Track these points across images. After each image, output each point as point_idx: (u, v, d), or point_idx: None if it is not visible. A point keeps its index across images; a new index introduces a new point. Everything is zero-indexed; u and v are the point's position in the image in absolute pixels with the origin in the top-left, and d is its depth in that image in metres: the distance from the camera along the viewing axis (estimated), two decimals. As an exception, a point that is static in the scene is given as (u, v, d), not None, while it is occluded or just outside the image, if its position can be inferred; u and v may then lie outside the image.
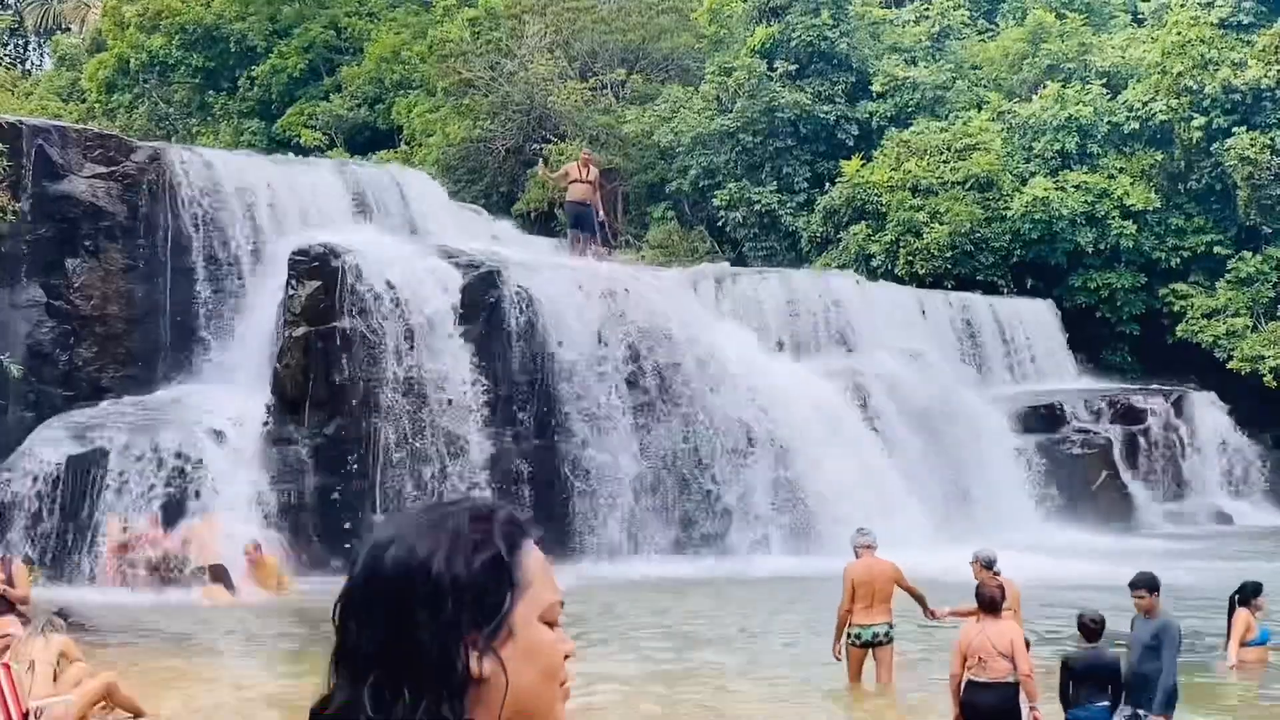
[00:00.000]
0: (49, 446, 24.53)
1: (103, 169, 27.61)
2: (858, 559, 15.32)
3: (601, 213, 33.96)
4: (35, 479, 24.01)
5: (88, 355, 26.78)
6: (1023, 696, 11.86)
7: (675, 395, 28.02)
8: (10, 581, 17.14)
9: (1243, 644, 15.54)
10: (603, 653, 17.52)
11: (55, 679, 13.89)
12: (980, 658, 11.85)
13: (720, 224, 44.79)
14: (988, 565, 15.06)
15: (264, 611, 21.42)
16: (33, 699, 13.60)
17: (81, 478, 23.94)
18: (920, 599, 15.51)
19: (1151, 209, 40.32)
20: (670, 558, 26.54)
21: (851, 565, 15.26)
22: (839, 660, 15.27)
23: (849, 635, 15.20)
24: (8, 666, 13.76)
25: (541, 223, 44.11)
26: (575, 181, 32.50)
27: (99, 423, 25.25)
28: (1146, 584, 12.30)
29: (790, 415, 28.80)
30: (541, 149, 42.61)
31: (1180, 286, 40.32)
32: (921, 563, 24.54)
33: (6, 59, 66.93)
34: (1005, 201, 40.28)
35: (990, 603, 12.12)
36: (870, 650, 15.24)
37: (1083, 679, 11.87)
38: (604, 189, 32.93)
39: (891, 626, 15.32)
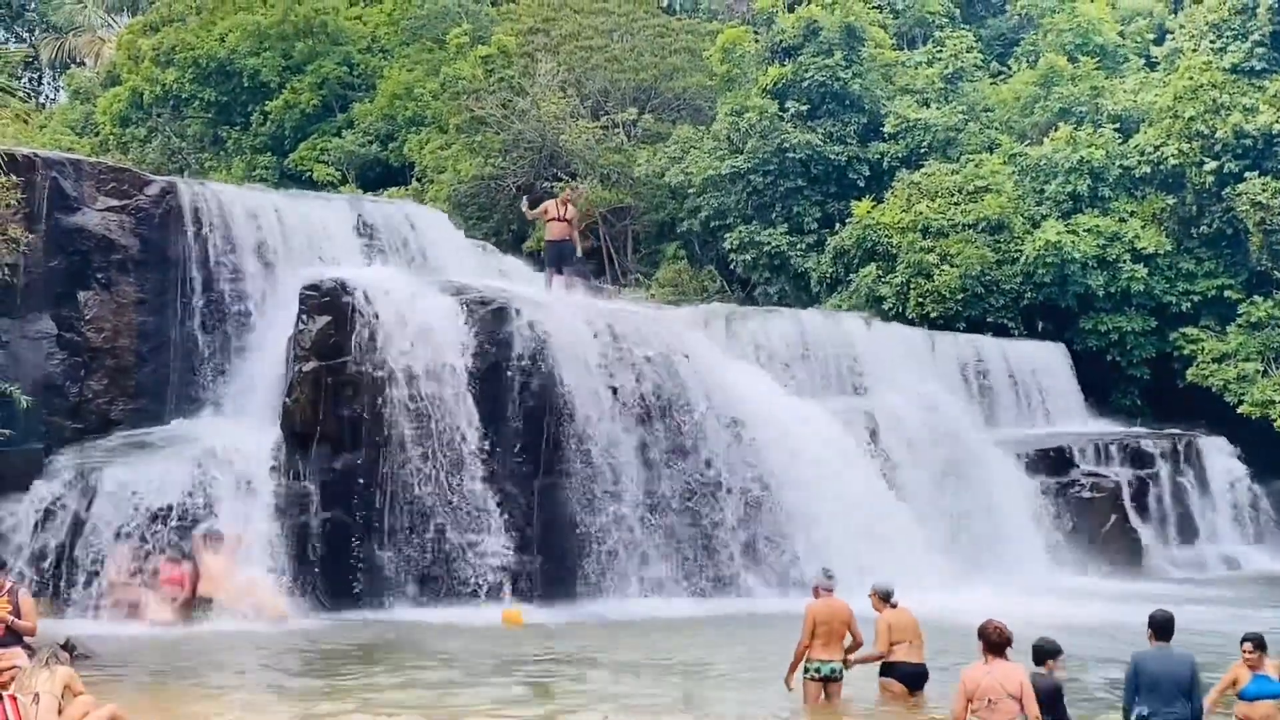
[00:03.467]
0: (57, 478, 24.51)
1: (115, 202, 27.68)
2: (817, 598, 16.57)
3: (579, 251, 33.89)
4: (43, 510, 23.97)
5: (98, 388, 26.77)
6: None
7: (684, 434, 27.95)
8: (17, 613, 17.11)
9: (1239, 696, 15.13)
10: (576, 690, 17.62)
11: (60, 711, 13.84)
12: (990, 700, 11.77)
13: (730, 264, 44.82)
14: (885, 597, 17.19)
15: (268, 646, 21.34)
16: (37, 731, 13.55)
17: (89, 510, 23.89)
18: (857, 644, 16.68)
19: (1163, 252, 40.33)
20: (679, 598, 26.41)
21: (814, 605, 16.43)
22: (790, 690, 16.34)
23: (809, 669, 16.29)
24: (14, 699, 13.71)
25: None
26: (553, 220, 32.49)
27: (108, 455, 25.23)
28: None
29: (800, 456, 28.72)
30: (552, 187, 42.68)
31: (1191, 330, 40.28)
32: (928, 603, 24.52)
33: (21, 92, 67.21)
34: (1017, 244, 40.29)
35: (995, 644, 12.05)
36: (824, 684, 16.31)
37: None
38: (582, 229, 32.96)
39: (844, 664, 16.49)
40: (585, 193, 43.49)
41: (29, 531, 23.75)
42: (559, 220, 32.26)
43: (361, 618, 24.13)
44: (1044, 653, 12.90)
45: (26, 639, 17.05)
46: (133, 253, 27.55)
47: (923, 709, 16.68)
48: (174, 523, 23.93)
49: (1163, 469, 36.43)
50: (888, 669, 17.06)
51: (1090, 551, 33.31)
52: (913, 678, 16.99)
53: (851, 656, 16.68)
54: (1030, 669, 12.61)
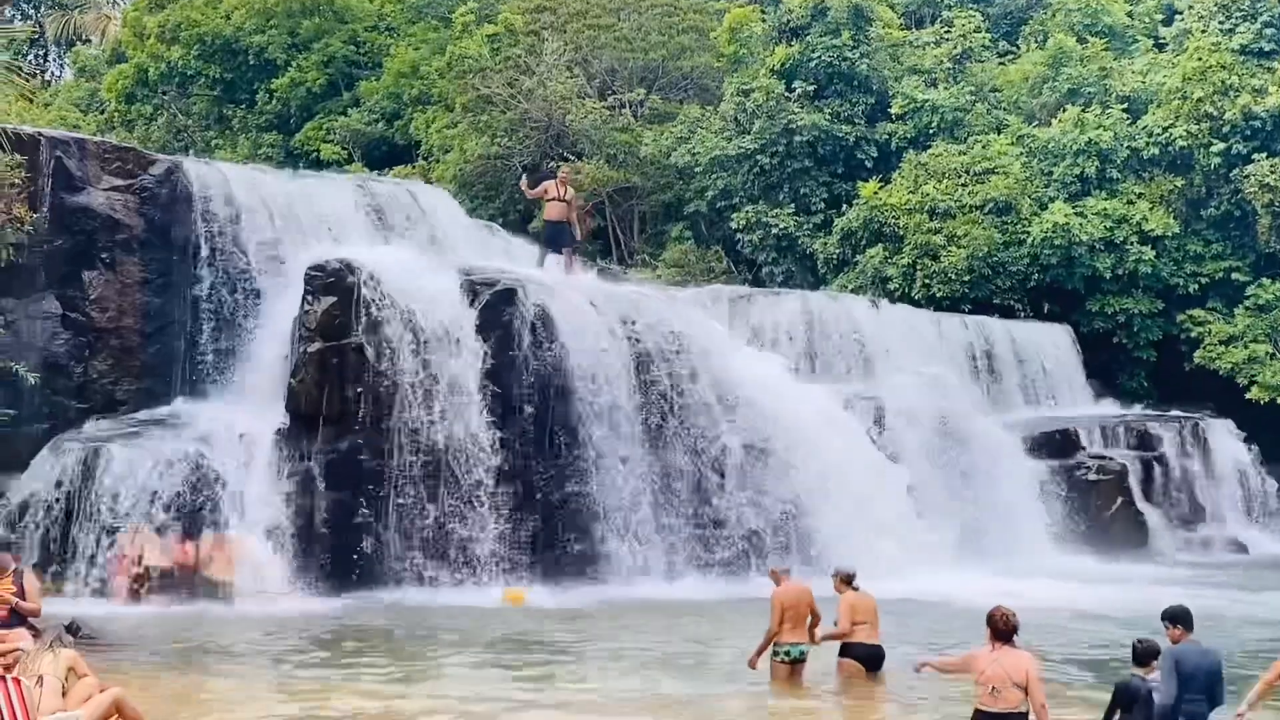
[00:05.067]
0: (63, 458, 24.50)
1: (120, 181, 27.62)
2: (779, 584, 17.13)
3: (577, 233, 33.77)
4: (48, 491, 23.98)
5: (103, 368, 26.76)
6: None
7: (691, 416, 27.91)
8: (22, 594, 17.11)
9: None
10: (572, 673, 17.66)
11: (64, 694, 13.83)
12: (994, 687, 11.68)
13: (737, 245, 44.73)
14: (847, 580, 17.64)
15: (274, 626, 21.36)
16: (41, 714, 13.54)
17: (94, 491, 23.89)
18: (816, 622, 17.18)
19: (1170, 234, 40.20)
20: (686, 580, 26.40)
21: (779, 591, 16.95)
22: (754, 669, 16.89)
23: (778, 653, 16.82)
24: (18, 681, 13.71)
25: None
26: (552, 200, 32.39)
27: (113, 436, 25.22)
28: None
29: (805, 437, 28.67)
30: (556, 167, 42.68)
31: (1198, 313, 40.17)
32: (933, 585, 24.57)
33: (26, 69, 67.11)
34: (1024, 226, 40.16)
35: (1002, 631, 11.96)
36: (791, 666, 16.88)
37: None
38: (580, 209, 32.84)
39: (809, 646, 17.05)
40: (588, 173, 43.33)
41: (33, 511, 23.75)
42: (558, 200, 32.17)
43: (366, 598, 24.14)
44: (1146, 654, 12.61)
45: (31, 620, 17.06)
46: (137, 232, 27.50)
47: (883, 685, 17.21)
48: (178, 503, 23.92)
49: (1169, 452, 36.35)
50: (845, 649, 17.55)
51: (1095, 534, 33.26)
52: (870, 659, 17.47)
53: (818, 633, 17.21)
54: (1131, 671, 12.44)
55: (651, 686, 17.08)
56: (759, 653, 16.84)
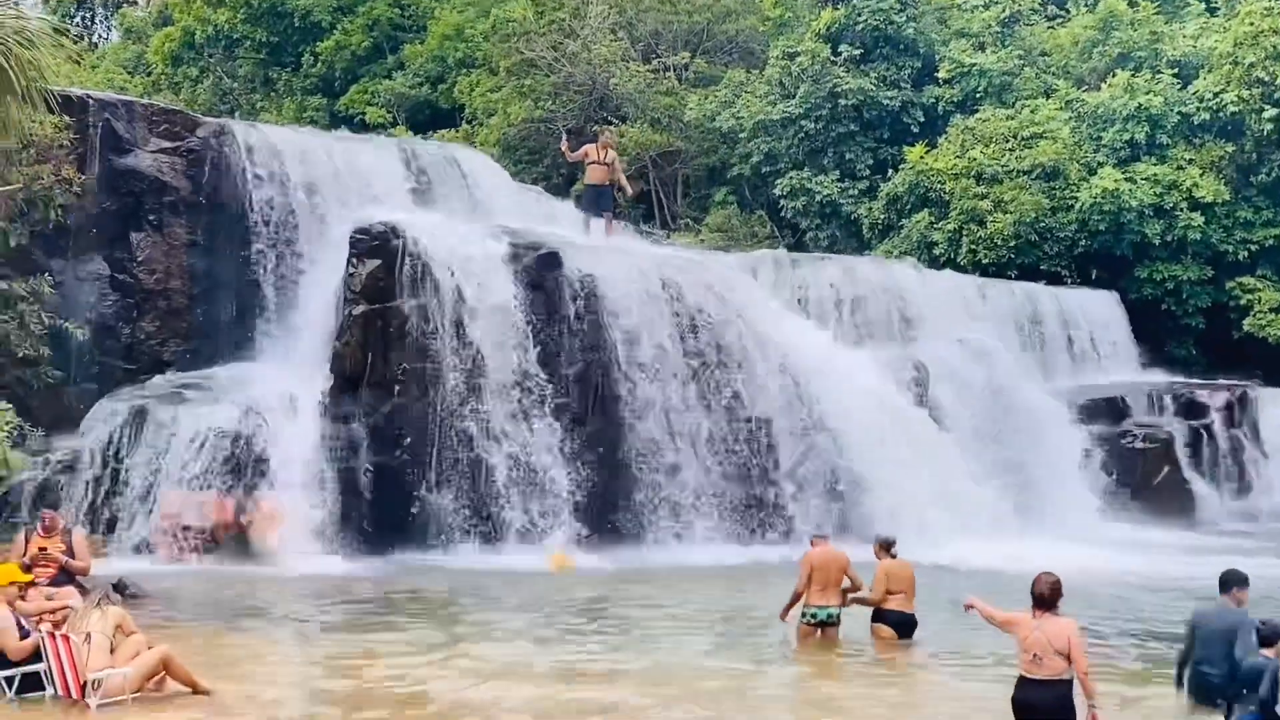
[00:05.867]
0: (110, 418, 24.69)
1: (168, 144, 27.73)
2: (814, 548, 17.58)
3: (622, 195, 33.65)
4: (95, 450, 24.17)
5: (150, 329, 26.94)
6: (1080, 695, 11.63)
7: (735, 380, 27.85)
8: (70, 552, 17.26)
9: None
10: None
11: (112, 651, 13.94)
12: (1036, 654, 11.62)
13: (780, 210, 44.54)
14: (886, 546, 18.02)
15: (315, 589, 21.46)
16: (90, 670, 13.67)
17: (140, 451, 24.08)
18: (857, 588, 17.62)
19: (1220, 201, 39.76)
20: (730, 544, 26.37)
21: (810, 552, 17.46)
22: (784, 622, 17.44)
23: (806, 615, 17.26)
24: (67, 638, 13.83)
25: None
26: (593, 163, 32.27)
27: (159, 396, 25.38)
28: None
29: (850, 403, 28.57)
30: (597, 131, 42.54)
31: (1248, 280, 39.78)
32: (979, 553, 24.46)
33: (74, 31, 67.42)
34: (1072, 191, 39.81)
35: (1044, 599, 11.88)
36: (820, 629, 17.26)
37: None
38: (620, 172, 32.74)
39: (840, 609, 17.36)
40: (632, 137, 43.18)
41: (81, 471, 23.94)
42: (599, 164, 32.06)
43: (410, 561, 24.23)
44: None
45: (79, 579, 17.21)
46: (184, 194, 27.62)
47: (912, 652, 17.42)
48: (223, 464, 24.05)
49: (1217, 420, 36.04)
50: (879, 615, 17.84)
51: (1142, 503, 33.06)
52: (902, 625, 17.72)
53: (850, 596, 17.61)
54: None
55: (685, 653, 17.05)
56: (788, 609, 17.37)
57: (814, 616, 17.27)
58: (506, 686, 14.67)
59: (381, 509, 24.93)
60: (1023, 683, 11.71)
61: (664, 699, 14.14)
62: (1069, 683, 11.54)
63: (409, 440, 25.31)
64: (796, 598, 17.31)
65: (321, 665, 16.13)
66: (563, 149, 34.71)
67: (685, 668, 15.87)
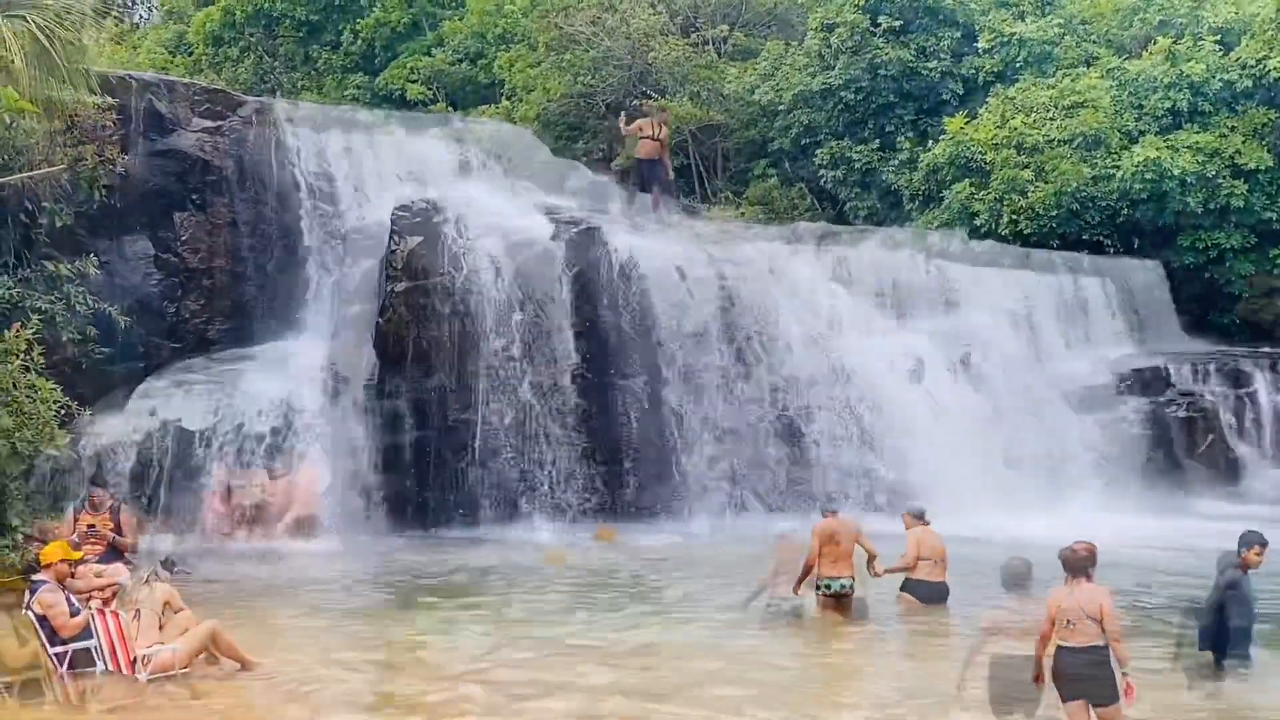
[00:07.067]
0: (156, 397, 24.97)
1: (210, 123, 27.91)
2: (824, 518, 17.70)
3: (668, 171, 33.70)
4: (142, 429, 24.44)
5: (194, 308, 27.15)
6: (1114, 660, 11.70)
7: (776, 354, 27.89)
8: (119, 530, 17.51)
9: None
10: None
11: (161, 627, 14.17)
12: (1069, 621, 11.71)
13: (820, 182, 44.44)
14: (918, 516, 18.38)
15: (358, 565, 21.66)
16: (139, 646, 13.90)
17: (186, 429, 24.34)
18: (872, 556, 17.75)
19: (1264, 168, 39.38)
20: (773, 517, 26.40)
21: (820, 523, 17.58)
22: (798, 596, 17.40)
23: (820, 586, 17.36)
24: (116, 614, 14.06)
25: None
26: (645, 138, 32.32)
27: (205, 374, 25.64)
28: None
29: (890, 375, 28.58)
30: (642, 105, 42.45)
31: (1292, 247, 39.44)
32: (1019, 527, 24.45)
33: (115, 11, 67.75)
34: (1113, 160, 39.52)
35: (1077, 565, 11.98)
36: (836, 599, 17.36)
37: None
38: (665, 150, 32.88)
39: (853, 580, 17.43)
40: (671, 110, 43.17)
41: (129, 448, 24.21)
42: (651, 139, 32.11)
43: (453, 536, 24.41)
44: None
45: (127, 556, 17.46)
46: (227, 174, 27.80)
47: (943, 620, 17.59)
48: (267, 441, 24.31)
49: (1261, 388, 35.74)
50: (908, 585, 18.06)
51: (1186, 473, 32.89)
52: (931, 595, 17.95)
53: (879, 566, 17.76)
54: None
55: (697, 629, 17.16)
56: (800, 581, 17.40)
57: (827, 588, 17.38)
58: (571, 665, 14.74)
59: (424, 484, 25.14)
60: (1060, 651, 11.80)
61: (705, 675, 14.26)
62: (1104, 648, 11.62)
63: (452, 416, 25.49)
64: (808, 569, 17.40)
65: (369, 641, 16.28)
66: (620, 124, 34.95)
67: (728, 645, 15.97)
